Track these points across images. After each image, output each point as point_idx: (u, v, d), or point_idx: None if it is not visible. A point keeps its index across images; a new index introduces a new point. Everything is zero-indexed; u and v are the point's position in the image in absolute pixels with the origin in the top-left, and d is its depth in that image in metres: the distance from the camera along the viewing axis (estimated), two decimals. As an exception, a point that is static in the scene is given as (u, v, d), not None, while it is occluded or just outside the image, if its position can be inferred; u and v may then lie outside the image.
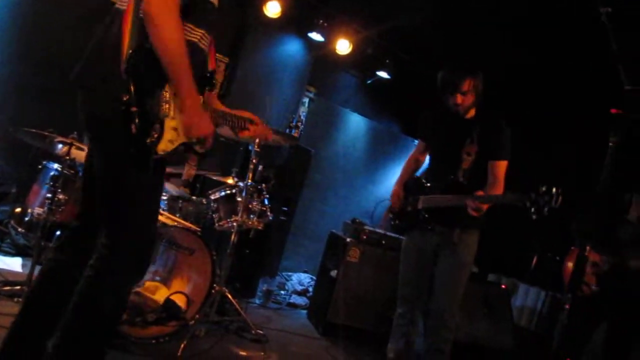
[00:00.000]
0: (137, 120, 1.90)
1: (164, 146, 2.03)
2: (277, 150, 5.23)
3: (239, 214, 3.83)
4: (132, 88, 1.90)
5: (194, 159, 5.77)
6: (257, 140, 3.79)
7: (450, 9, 5.21)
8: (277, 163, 5.14)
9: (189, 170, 5.79)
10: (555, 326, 4.11)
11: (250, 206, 3.96)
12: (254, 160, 3.82)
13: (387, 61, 6.64)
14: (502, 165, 3.36)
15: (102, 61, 2.02)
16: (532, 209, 2.82)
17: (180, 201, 4.08)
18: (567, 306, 2.07)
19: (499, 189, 3.32)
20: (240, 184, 4.00)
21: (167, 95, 2.03)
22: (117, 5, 2.10)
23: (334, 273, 4.70)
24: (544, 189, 2.81)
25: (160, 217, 3.55)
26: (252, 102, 5.96)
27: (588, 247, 2.46)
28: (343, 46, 6.30)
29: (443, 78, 3.40)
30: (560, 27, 4.09)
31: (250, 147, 3.92)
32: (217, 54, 5.74)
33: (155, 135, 1.98)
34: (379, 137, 7.36)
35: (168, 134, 2.03)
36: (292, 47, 6.40)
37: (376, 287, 4.68)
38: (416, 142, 4.03)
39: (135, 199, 2.12)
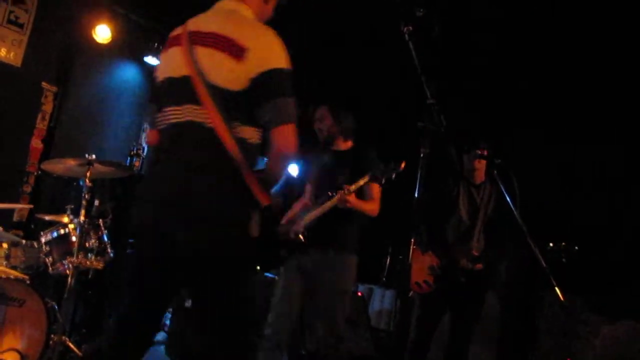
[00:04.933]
0: None
1: None
2: (117, 181, 4.95)
3: (75, 255, 3.56)
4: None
5: (26, 198, 5.33)
6: (88, 174, 3.56)
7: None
8: (117, 194, 4.87)
9: (21, 211, 5.33)
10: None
11: (87, 244, 3.70)
12: (86, 196, 3.58)
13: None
14: (376, 187, 3.53)
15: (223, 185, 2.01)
16: (383, 179, 3.27)
17: (7, 247, 3.69)
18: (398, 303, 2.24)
19: (372, 205, 3.53)
20: (77, 220, 3.73)
21: None
22: (173, 120, 2.09)
23: (189, 302, 4.53)
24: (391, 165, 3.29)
25: (-20, 269, 3.19)
26: (85, 132, 5.63)
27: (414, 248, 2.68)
28: (182, 69, 6.15)
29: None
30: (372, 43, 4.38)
31: (81, 182, 3.67)
32: (44, 83, 5.47)
33: None
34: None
35: None
36: (127, 72, 6.13)
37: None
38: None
39: None
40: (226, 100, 1.98)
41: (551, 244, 3.49)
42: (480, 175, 3.91)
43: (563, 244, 3.49)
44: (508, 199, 3.13)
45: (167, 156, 2.10)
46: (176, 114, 2.07)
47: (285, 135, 1.99)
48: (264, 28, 2.09)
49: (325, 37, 4.77)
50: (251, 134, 2.05)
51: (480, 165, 3.86)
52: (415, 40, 1.88)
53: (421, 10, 1.91)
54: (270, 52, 2.00)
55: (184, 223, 1.98)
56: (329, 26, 4.59)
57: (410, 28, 1.91)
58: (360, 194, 3.50)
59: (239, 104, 1.98)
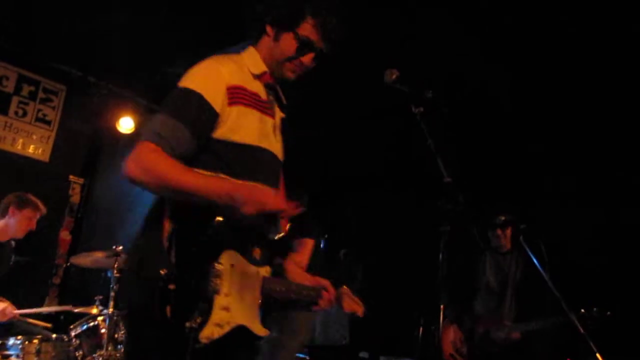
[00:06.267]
0: (173, 301, 1.52)
1: (210, 332, 1.59)
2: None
3: (104, 347, 3.56)
4: (173, 260, 1.55)
5: (55, 290, 5.39)
6: (115, 265, 3.62)
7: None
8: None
9: (49, 304, 5.36)
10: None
11: (116, 336, 3.70)
12: (114, 287, 3.62)
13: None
14: (307, 242, 3.80)
15: (143, 234, 1.77)
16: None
17: (37, 342, 3.71)
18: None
19: (298, 257, 3.69)
20: (106, 311, 3.75)
21: (221, 267, 1.63)
22: None
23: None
24: None
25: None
26: (112, 220, 5.72)
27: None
28: (203, 153, 6.32)
29: None
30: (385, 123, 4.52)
31: (109, 274, 3.73)
32: (71, 176, 5.64)
33: (199, 320, 1.56)
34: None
35: (216, 316, 1.61)
36: (151, 160, 6.29)
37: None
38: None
39: None
40: None
41: (582, 310, 3.41)
42: (505, 244, 3.89)
43: (595, 309, 3.41)
44: (537, 264, 3.09)
45: None
46: None
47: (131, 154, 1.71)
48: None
49: (340, 122, 4.89)
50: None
51: (502, 234, 3.86)
52: (428, 120, 1.94)
53: (430, 92, 1.97)
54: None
55: None
56: (341, 111, 4.71)
57: (422, 109, 1.97)
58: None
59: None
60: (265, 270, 1.88)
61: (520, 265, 3.88)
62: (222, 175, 1.75)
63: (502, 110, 4.59)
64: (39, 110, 5.56)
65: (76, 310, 4.06)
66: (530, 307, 3.74)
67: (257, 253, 1.83)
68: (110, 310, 3.65)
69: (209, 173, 1.74)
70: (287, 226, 2.11)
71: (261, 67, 1.95)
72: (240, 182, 1.72)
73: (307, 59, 1.95)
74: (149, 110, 5.97)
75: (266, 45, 1.96)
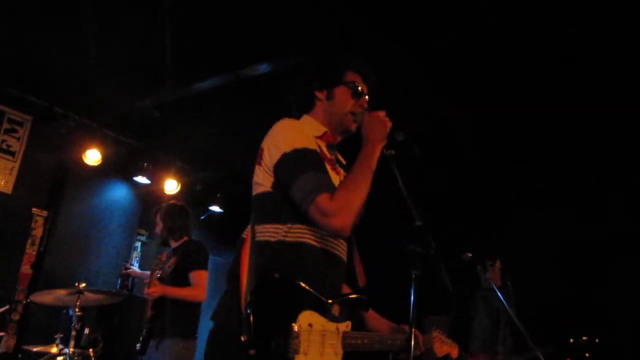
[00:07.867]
0: None
1: None
2: (110, 306, 4.86)
3: (64, 390, 3.43)
4: (251, 327, 1.62)
5: (13, 327, 5.18)
6: (78, 303, 3.51)
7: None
8: (108, 318, 4.76)
9: (7, 341, 5.16)
10: None
11: (76, 377, 3.58)
12: (76, 325, 3.51)
13: (219, 195, 6.69)
14: (201, 274, 3.90)
15: (227, 296, 1.83)
16: None
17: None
18: None
19: (195, 291, 3.84)
20: (66, 350, 3.62)
21: (298, 328, 1.70)
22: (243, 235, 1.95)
23: None
24: None
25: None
26: (76, 254, 5.58)
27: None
28: (171, 186, 6.27)
29: None
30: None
31: (70, 312, 3.61)
32: (34, 208, 5.49)
33: None
34: (222, 271, 7.20)
35: None
36: (117, 193, 6.20)
37: None
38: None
39: None
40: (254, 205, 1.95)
41: (571, 340, 3.44)
42: (495, 280, 3.95)
43: (584, 338, 3.44)
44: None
45: None
46: None
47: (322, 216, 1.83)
48: (279, 122, 1.98)
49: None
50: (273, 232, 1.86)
51: (493, 271, 3.92)
52: (399, 163, 1.95)
53: (401, 134, 1.98)
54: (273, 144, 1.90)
55: None
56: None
57: (393, 152, 1.97)
58: (185, 281, 3.81)
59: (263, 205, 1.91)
60: (345, 326, 1.91)
61: (512, 299, 3.92)
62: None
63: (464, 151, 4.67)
64: (3, 140, 5.42)
65: (35, 350, 3.92)
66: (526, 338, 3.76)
67: (336, 310, 1.88)
68: (71, 350, 3.52)
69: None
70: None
71: (322, 129, 2.07)
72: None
73: (364, 101, 2.10)
74: (115, 141, 5.90)
75: (321, 109, 2.10)
